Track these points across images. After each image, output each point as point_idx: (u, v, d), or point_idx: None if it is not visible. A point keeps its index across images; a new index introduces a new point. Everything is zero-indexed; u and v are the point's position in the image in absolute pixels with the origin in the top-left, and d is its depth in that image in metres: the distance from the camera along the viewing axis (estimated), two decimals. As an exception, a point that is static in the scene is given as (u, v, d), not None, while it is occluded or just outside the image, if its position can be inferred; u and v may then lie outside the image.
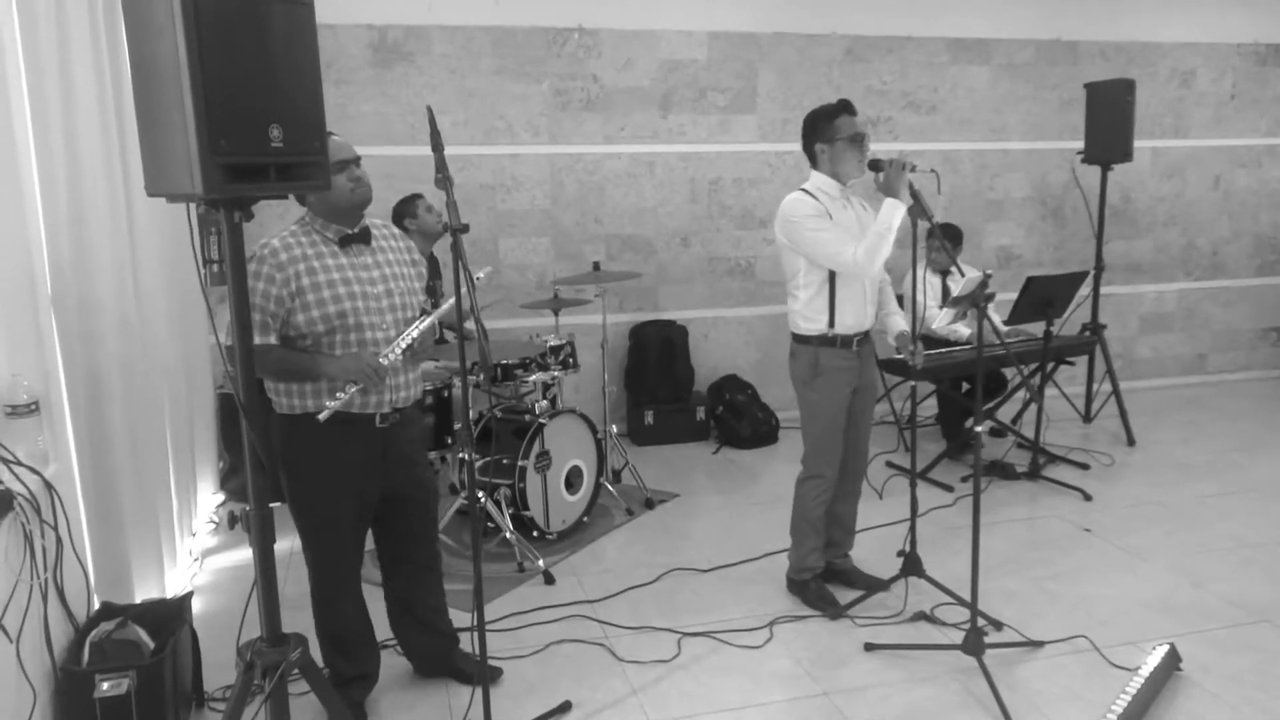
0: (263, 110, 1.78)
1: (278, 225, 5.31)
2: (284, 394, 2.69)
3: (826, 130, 3.38)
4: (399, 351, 2.64)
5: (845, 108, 3.38)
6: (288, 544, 4.26)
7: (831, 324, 3.41)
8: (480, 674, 2.63)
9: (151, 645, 2.70)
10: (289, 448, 2.72)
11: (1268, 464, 5.25)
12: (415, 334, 2.67)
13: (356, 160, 2.68)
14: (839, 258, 3.28)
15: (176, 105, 1.68)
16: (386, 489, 2.84)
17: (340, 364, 2.61)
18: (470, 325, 2.93)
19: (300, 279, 2.61)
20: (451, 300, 2.73)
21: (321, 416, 2.56)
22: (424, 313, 2.83)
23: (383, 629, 3.29)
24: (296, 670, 2.10)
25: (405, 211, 4.78)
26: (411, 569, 3.03)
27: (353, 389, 2.59)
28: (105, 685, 2.52)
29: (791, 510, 3.65)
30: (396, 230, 2.92)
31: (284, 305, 2.61)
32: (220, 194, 1.75)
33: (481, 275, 2.66)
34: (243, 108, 1.75)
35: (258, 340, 2.57)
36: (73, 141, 2.99)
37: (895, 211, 3.24)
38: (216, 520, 4.51)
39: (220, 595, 3.82)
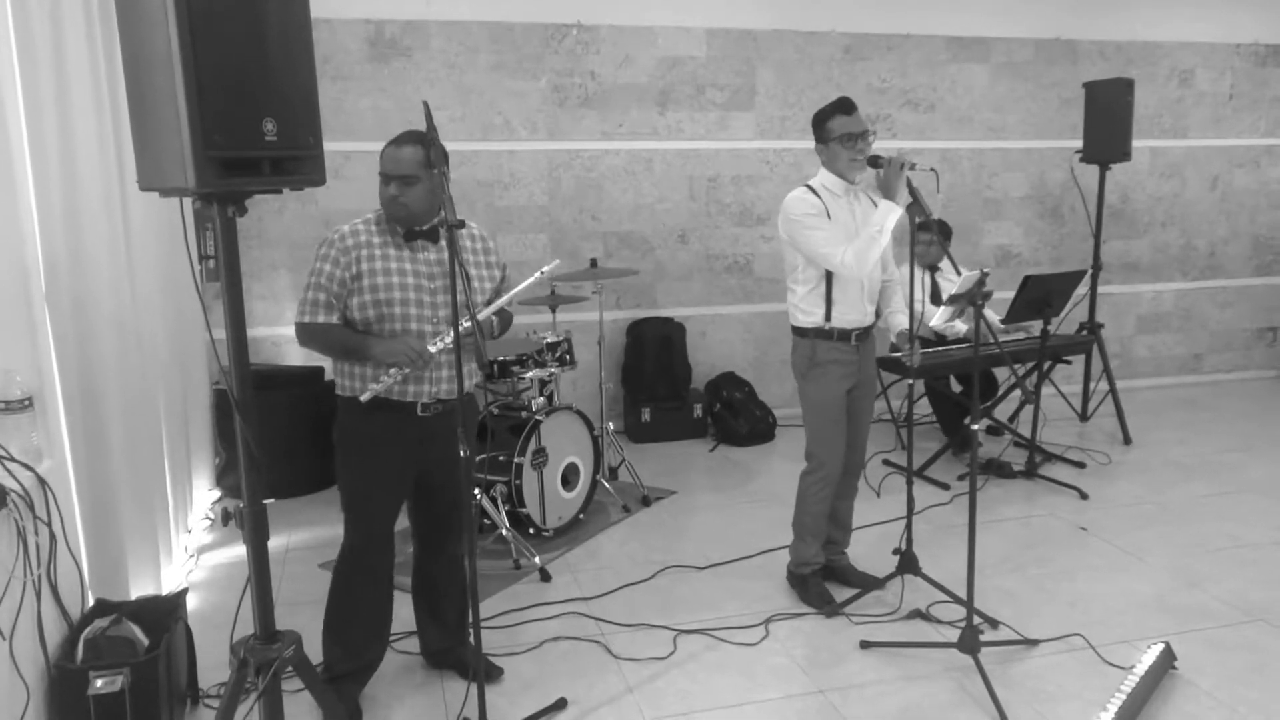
0: (256, 104, 1.76)
1: (274, 220, 5.34)
2: (342, 375, 2.81)
3: (822, 131, 3.42)
4: (447, 341, 2.70)
5: (840, 107, 3.38)
6: (282, 541, 4.26)
7: (828, 318, 3.43)
8: (476, 671, 2.63)
9: (146, 642, 2.69)
10: (341, 429, 2.86)
11: (1264, 464, 5.25)
12: (467, 324, 2.69)
13: (400, 178, 2.68)
14: (830, 259, 3.30)
15: (169, 99, 1.67)
16: (420, 475, 2.92)
17: (387, 346, 2.69)
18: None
19: (360, 264, 2.72)
20: (505, 297, 2.84)
21: (363, 398, 2.69)
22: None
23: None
24: (291, 667, 2.09)
25: None
26: (439, 558, 3.08)
27: (396, 372, 2.68)
28: (99, 682, 2.51)
29: (795, 504, 3.65)
30: (479, 231, 2.97)
31: (345, 287, 2.72)
32: (213, 188, 1.74)
33: (547, 269, 2.75)
34: (236, 101, 1.73)
35: (321, 319, 2.74)
36: (67, 135, 2.98)
37: (890, 214, 3.24)
38: (212, 516, 4.50)
39: (216, 592, 3.81)
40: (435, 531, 3.06)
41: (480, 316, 2.75)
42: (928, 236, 5.10)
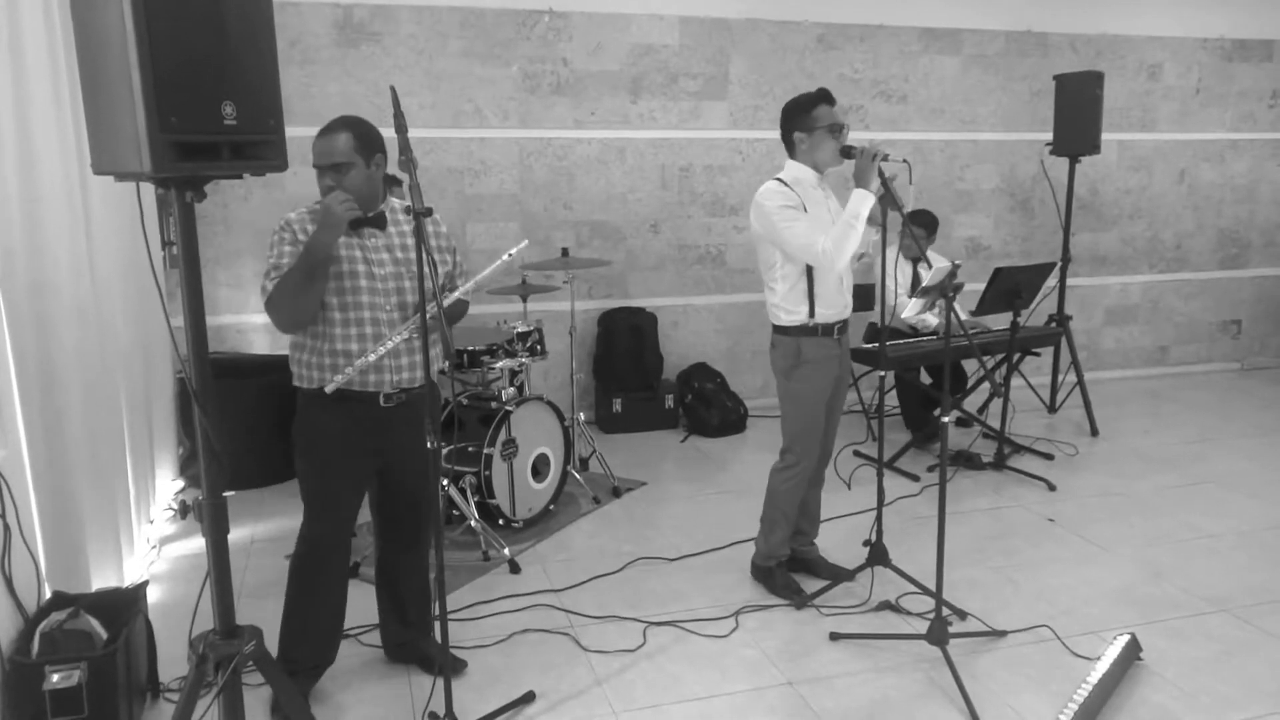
0: (215, 86, 1.71)
1: (241, 207, 5.25)
2: (300, 365, 2.76)
3: (805, 119, 3.36)
4: (408, 334, 2.69)
5: (824, 97, 3.36)
6: (247, 531, 4.20)
7: (812, 314, 3.39)
8: (443, 664, 2.60)
9: (104, 635, 2.64)
10: (301, 421, 2.81)
11: (1227, 455, 5.32)
12: (409, 330, 2.70)
13: (333, 167, 2.62)
14: (810, 249, 3.26)
15: (124, 80, 1.61)
16: (383, 470, 2.89)
17: (317, 235, 2.54)
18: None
19: None
20: (472, 282, 2.79)
21: (328, 389, 2.66)
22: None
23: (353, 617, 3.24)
24: (250, 662, 2.05)
25: None
26: (398, 554, 3.05)
27: (361, 362, 2.66)
28: (55, 677, 2.46)
29: (765, 497, 3.64)
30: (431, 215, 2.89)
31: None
32: (170, 173, 1.69)
33: (514, 252, 2.69)
34: (194, 83, 1.68)
35: (268, 286, 2.63)
36: (24, 116, 2.90)
37: (864, 202, 3.22)
38: (175, 507, 4.43)
39: (179, 584, 3.75)
40: (397, 527, 3.02)
41: (446, 302, 2.71)
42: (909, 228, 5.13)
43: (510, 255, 2.73)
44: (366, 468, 2.87)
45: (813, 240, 3.25)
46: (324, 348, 2.72)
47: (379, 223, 2.74)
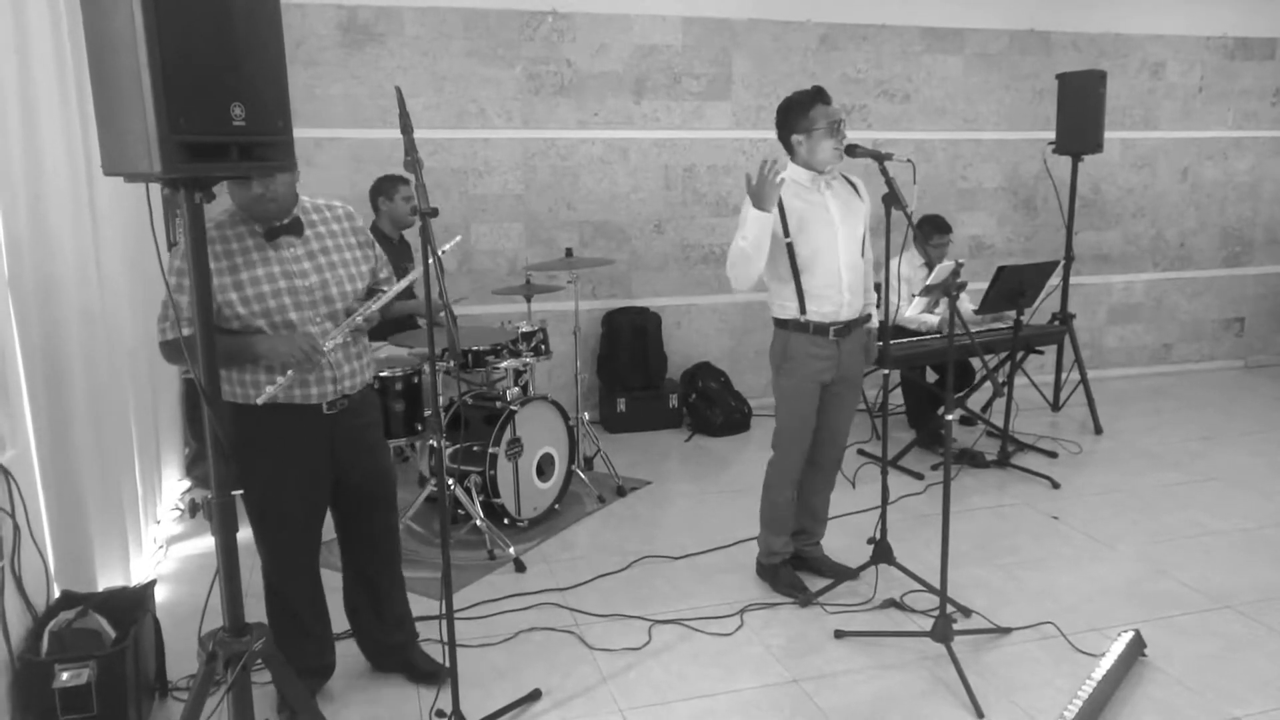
0: (224, 88, 1.72)
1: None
2: (229, 382, 2.58)
3: (803, 120, 3.32)
4: (342, 338, 2.56)
5: (819, 96, 3.32)
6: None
7: (803, 310, 3.38)
8: (450, 663, 2.61)
9: (113, 634, 2.66)
10: (236, 435, 2.59)
11: (1231, 452, 5.32)
12: (360, 319, 2.58)
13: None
14: (728, 263, 3.33)
15: (134, 81, 1.63)
16: (338, 477, 2.75)
17: (272, 344, 2.47)
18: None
19: (223, 275, 2.48)
20: (400, 285, 2.63)
21: (259, 401, 2.47)
22: (371, 294, 2.73)
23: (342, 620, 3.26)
24: (260, 660, 2.06)
25: (383, 190, 4.71)
26: (369, 559, 2.94)
27: (290, 373, 2.49)
28: (65, 675, 2.48)
29: (761, 496, 3.65)
30: (343, 210, 2.75)
31: (211, 298, 2.45)
32: (179, 174, 1.70)
33: (449, 246, 2.59)
34: (203, 85, 1.69)
35: (186, 332, 2.40)
36: (31, 117, 2.92)
37: (760, 222, 3.21)
38: (181, 507, 4.44)
39: (185, 583, 3.77)
40: (361, 534, 2.88)
41: (377, 305, 2.60)
42: (941, 239, 5.18)
43: (444, 250, 2.58)
44: (319, 483, 2.72)
45: (732, 252, 3.29)
46: (259, 364, 2.55)
47: (295, 229, 2.58)
